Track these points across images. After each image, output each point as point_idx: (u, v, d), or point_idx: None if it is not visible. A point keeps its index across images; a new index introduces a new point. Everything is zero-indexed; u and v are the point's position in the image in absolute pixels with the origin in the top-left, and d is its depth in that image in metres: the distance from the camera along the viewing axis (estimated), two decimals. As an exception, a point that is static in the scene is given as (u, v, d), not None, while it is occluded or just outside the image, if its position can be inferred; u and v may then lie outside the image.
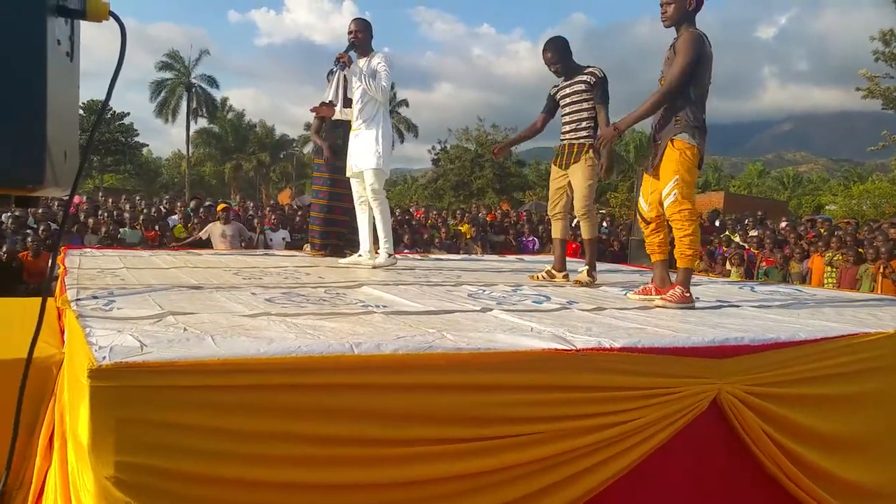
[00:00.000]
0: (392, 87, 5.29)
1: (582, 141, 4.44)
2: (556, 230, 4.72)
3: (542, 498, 2.08)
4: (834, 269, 8.61)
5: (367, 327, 2.35)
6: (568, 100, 4.51)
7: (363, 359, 1.87)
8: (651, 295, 3.52)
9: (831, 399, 2.62)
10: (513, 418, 2.04)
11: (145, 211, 10.30)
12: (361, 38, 4.84)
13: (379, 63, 4.76)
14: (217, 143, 47.91)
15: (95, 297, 2.75)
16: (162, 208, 10.76)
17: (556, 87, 4.59)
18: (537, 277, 4.55)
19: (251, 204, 13.79)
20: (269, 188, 52.13)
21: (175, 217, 9.90)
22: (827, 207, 34.34)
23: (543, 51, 4.51)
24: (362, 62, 4.83)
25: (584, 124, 4.45)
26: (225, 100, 48.53)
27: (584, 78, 4.42)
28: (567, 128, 4.53)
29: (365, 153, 4.83)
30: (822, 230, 10.06)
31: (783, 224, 11.92)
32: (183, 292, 3.07)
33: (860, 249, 8.70)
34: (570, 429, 2.12)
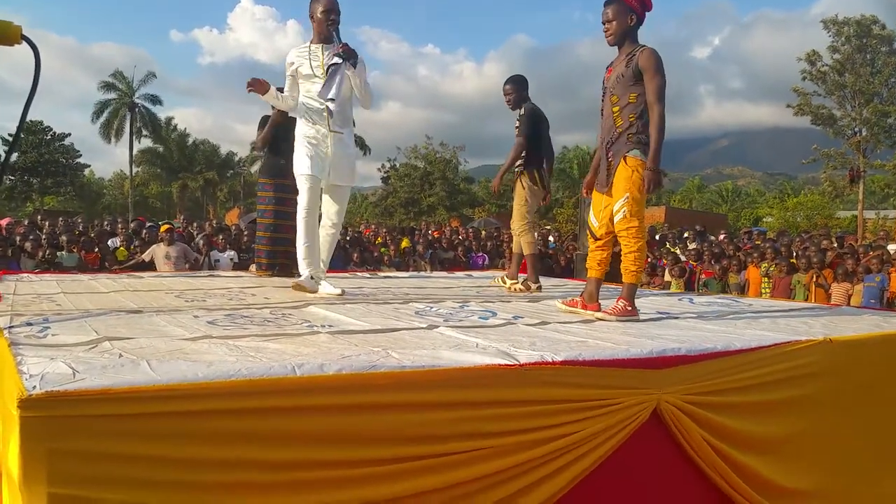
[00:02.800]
0: None
1: (518, 167, 5.08)
2: (515, 245, 5.37)
3: (490, 513, 2.10)
4: (769, 280, 8.95)
5: (311, 348, 2.33)
6: (515, 132, 5.10)
7: (305, 380, 1.86)
8: (577, 308, 3.57)
9: (767, 405, 2.71)
10: (459, 435, 2.04)
11: (83, 234, 9.97)
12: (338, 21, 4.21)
13: (361, 60, 4.25)
14: (162, 163, 46.87)
15: (30, 324, 2.65)
16: (104, 229, 10.44)
17: (517, 119, 5.14)
18: (494, 284, 5.29)
19: (196, 224, 13.49)
20: (216, 208, 51.15)
21: (116, 239, 9.61)
22: (764, 220, 35.70)
23: (505, 84, 5.13)
24: (328, 54, 4.14)
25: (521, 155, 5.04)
26: (169, 119, 47.60)
27: (521, 112, 5.03)
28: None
29: (350, 167, 4.33)
30: (757, 242, 10.44)
31: (721, 236, 12.32)
32: (121, 317, 2.99)
33: (793, 260, 9.06)
34: (516, 443, 2.14)
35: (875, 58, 24.51)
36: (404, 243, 11.50)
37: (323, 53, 4.11)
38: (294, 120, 6.20)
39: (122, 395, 1.62)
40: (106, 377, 1.70)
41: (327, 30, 4.06)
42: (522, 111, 4.99)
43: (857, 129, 25.44)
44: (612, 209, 3.42)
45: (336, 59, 4.05)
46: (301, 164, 4.23)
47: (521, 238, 5.09)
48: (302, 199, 4.24)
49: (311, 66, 4.13)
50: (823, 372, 2.83)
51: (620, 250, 3.47)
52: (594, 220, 3.59)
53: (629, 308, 3.36)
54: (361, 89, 4.14)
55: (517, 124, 5.03)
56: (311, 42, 4.20)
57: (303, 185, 4.22)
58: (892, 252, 9.49)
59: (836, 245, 10.34)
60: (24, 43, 1.27)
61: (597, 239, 3.60)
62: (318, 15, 4.09)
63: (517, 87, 5.05)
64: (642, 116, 3.34)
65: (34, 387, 1.59)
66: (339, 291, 4.10)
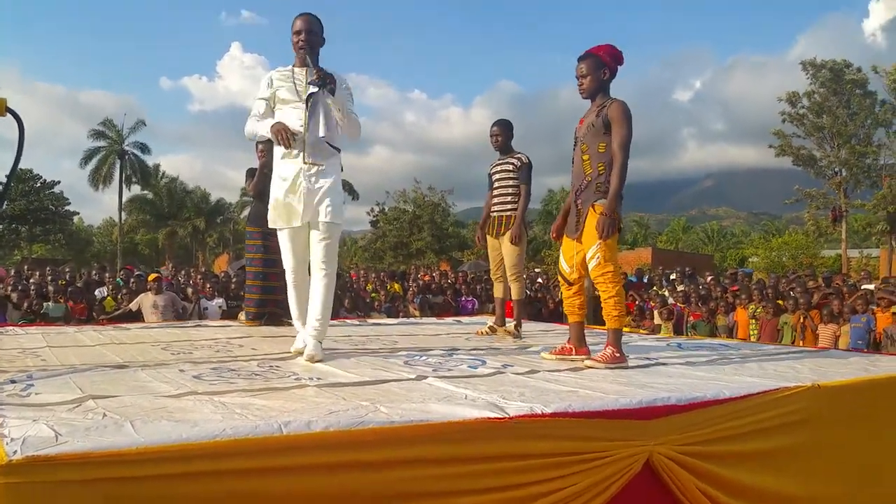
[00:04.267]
0: None
1: (508, 213, 5.09)
2: (498, 291, 5.35)
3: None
4: (757, 321, 8.98)
5: (298, 403, 2.30)
6: (498, 177, 5.15)
7: (292, 438, 1.83)
8: (572, 355, 3.58)
9: (761, 454, 2.69)
10: (448, 491, 2.02)
11: (70, 283, 9.90)
12: (315, 41, 3.61)
13: (346, 88, 3.63)
14: (151, 210, 46.82)
15: (13, 382, 2.62)
16: (92, 278, 10.35)
17: (491, 164, 5.23)
18: (482, 333, 5.14)
19: (183, 271, 13.44)
20: (205, 254, 50.96)
21: (104, 289, 9.54)
22: (750, 260, 35.98)
23: (493, 125, 5.18)
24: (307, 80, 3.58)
25: (509, 199, 5.09)
26: (157, 166, 47.74)
27: (513, 160, 5.07)
28: (496, 201, 5.16)
29: (333, 202, 3.58)
30: (746, 285, 10.51)
31: (708, 278, 12.40)
32: (106, 373, 2.95)
33: (780, 301, 9.12)
34: (508, 498, 2.11)
35: (850, 100, 25.16)
36: (396, 288, 11.48)
37: (305, 78, 3.60)
38: None
39: (105, 459, 1.60)
40: (89, 440, 1.68)
41: (299, 52, 3.59)
42: (524, 160, 5.04)
43: (837, 170, 25.94)
44: (584, 255, 3.50)
45: (311, 88, 3.51)
46: (271, 218, 3.73)
47: (516, 284, 5.12)
48: (283, 259, 3.81)
49: (296, 91, 3.61)
50: (812, 418, 2.83)
51: (599, 295, 3.51)
52: (565, 266, 3.66)
53: (617, 355, 3.37)
54: (343, 118, 3.59)
55: (510, 168, 5.06)
56: (294, 65, 3.70)
57: (280, 242, 3.81)
58: (872, 290, 9.58)
59: (823, 285, 10.42)
60: (9, 115, 1.30)
61: (570, 284, 3.66)
62: (292, 36, 3.63)
63: (505, 130, 5.13)
64: (611, 166, 3.42)
65: (15, 451, 1.56)
66: (309, 358, 3.44)
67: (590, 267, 3.45)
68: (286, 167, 3.61)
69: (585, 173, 3.49)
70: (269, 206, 3.71)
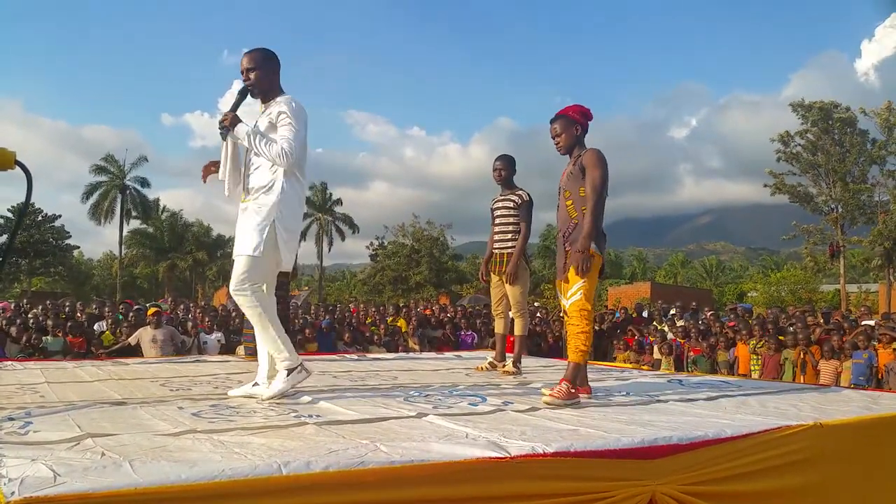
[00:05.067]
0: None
1: (509, 250, 5.10)
2: (499, 326, 5.37)
3: None
4: (758, 357, 8.94)
5: (298, 441, 2.29)
6: (499, 213, 5.19)
7: (291, 479, 1.82)
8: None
9: (761, 493, 2.65)
10: (448, 533, 2.00)
11: (69, 317, 9.87)
12: (259, 76, 3.50)
13: (281, 114, 3.40)
14: (151, 244, 46.94)
15: (11, 419, 2.60)
16: (92, 312, 10.32)
17: (493, 199, 5.26)
18: (481, 368, 5.16)
19: (182, 305, 13.39)
20: (205, 287, 50.90)
21: (103, 323, 9.51)
22: (749, 295, 35.95)
23: (496, 160, 5.24)
24: (262, 113, 3.53)
25: (510, 235, 5.12)
26: (156, 200, 47.98)
27: (514, 197, 5.11)
28: (497, 238, 5.19)
29: (243, 235, 3.44)
30: (748, 321, 10.48)
31: (708, 313, 12.37)
32: (105, 410, 2.93)
33: (781, 337, 9.09)
34: (509, 539, 2.08)
35: (842, 138, 25.45)
36: (400, 323, 11.44)
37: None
38: None
39: (103, 500, 1.58)
40: (87, 480, 1.67)
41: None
42: (524, 197, 5.09)
43: (833, 206, 26.09)
44: (566, 292, 3.61)
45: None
46: None
47: (520, 320, 5.15)
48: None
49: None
50: (815, 457, 2.81)
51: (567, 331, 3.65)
52: (566, 303, 3.71)
53: (572, 390, 3.37)
54: (257, 151, 3.41)
55: (511, 205, 5.11)
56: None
57: None
58: (873, 325, 9.56)
59: (822, 321, 10.40)
60: (18, 168, 1.32)
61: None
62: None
63: (508, 165, 5.19)
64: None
65: (13, 493, 1.55)
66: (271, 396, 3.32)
67: (569, 302, 3.58)
68: None
69: (571, 217, 3.66)
70: None
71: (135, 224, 44.95)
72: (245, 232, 3.42)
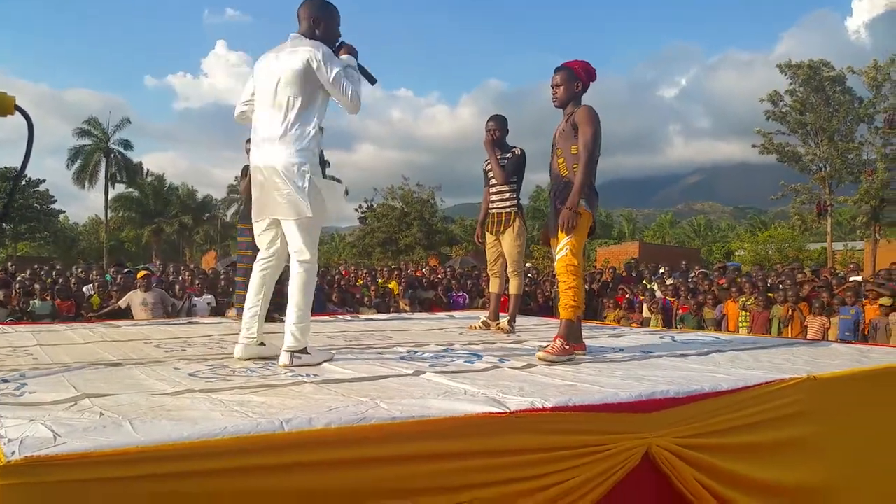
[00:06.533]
0: None
1: (508, 210, 5.07)
2: (494, 286, 5.37)
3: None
4: (747, 314, 9.04)
5: (297, 399, 2.29)
6: (493, 173, 5.09)
7: (294, 436, 1.82)
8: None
9: (758, 446, 2.70)
10: (449, 487, 2.01)
11: (59, 280, 9.79)
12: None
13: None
14: (137, 207, 46.43)
15: (6, 381, 2.58)
16: (79, 276, 10.24)
17: (486, 161, 5.17)
18: (475, 327, 5.16)
19: (171, 268, 13.31)
20: (192, 251, 50.60)
21: (90, 286, 9.44)
22: (736, 253, 36.22)
23: (489, 120, 5.16)
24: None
25: (507, 195, 5.07)
26: (140, 164, 47.27)
27: (507, 156, 5.04)
28: (494, 198, 5.14)
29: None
30: (737, 279, 10.57)
31: (697, 271, 12.46)
32: (100, 370, 2.91)
33: (770, 294, 9.18)
34: (509, 493, 2.10)
35: (831, 97, 25.35)
36: (392, 285, 11.44)
37: None
38: None
39: (105, 459, 1.57)
40: (88, 440, 1.65)
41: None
42: (516, 152, 5.05)
43: (821, 166, 26.13)
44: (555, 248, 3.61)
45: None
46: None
47: (516, 279, 5.13)
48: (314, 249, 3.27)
49: None
50: (809, 410, 2.85)
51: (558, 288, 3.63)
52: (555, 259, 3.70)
53: (566, 346, 3.39)
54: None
55: (506, 165, 5.03)
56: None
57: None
58: (861, 281, 9.67)
59: (812, 277, 10.51)
60: (18, 113, 1.27)
61: None
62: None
63: (501, 126, 5.12)
64: None
65: (13, 452, 1.53)
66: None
67: (557, 257, 3.57)
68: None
69: (562, 175, 3.64)
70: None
71: (120, 188, 44.42)
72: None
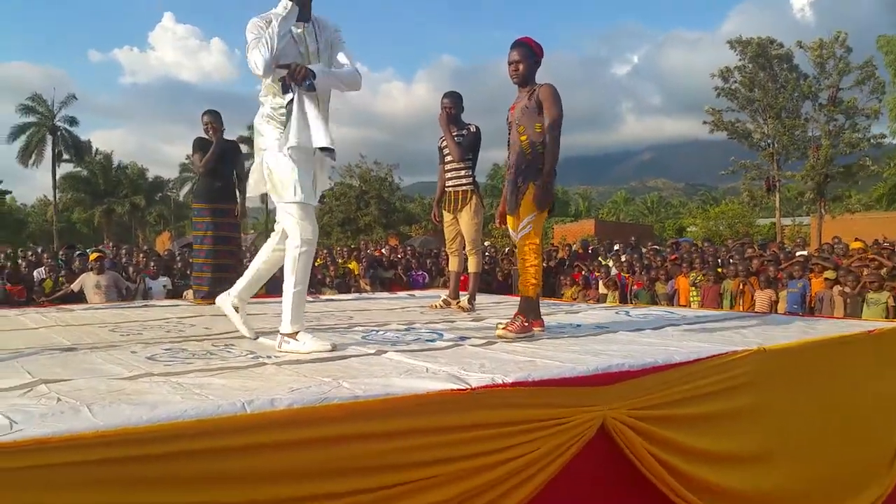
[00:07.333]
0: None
1: (465, 188, 5.07)
2: (453, 264, 5.40)
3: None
4: (698, 289, 9.29)
5: (258, 381, 2.29)
6: (449, 150, 5.06)
7: (256, 417, 1.82)
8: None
9: (710, 416, 2.80)
10: (413, 463, 2.04)
11: (9, 264, 9.47)
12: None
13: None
14: (86, 188, 44.90)
15: (-45, 368, 2.51)
16: (29, 259, 9.92)
17: (441, 138, 5.14)
18: (435, 306, 5.18)
19: (124, 250, 12.98)
20: (145, 232, 49.35)
21: (42, 269, 9.16)
22: (688, 229, 37.02)
23: (444, 97, 5.12)
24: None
25: (463, 173, 5.06)
26: (88, 141, 45.65)
27: (463, 132, 5.03)
28: (450, 176, 5.11)
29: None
30: (686, 255, 10.83)
31: (649, 247, 12.73)
32: (55, 356, 2.85)
33: (720, 269, 9.44)
34: (471, 467, 2.15)
35: (778, 74, 25.97)
36: (352, 265, 11.38)
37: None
38: (234, 143, 5.81)
39: (64, 444, 1.55)
40: (46, 426, 1.63)
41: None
42: (471, 129, 5.04)
43: (769, 142, 26.80)
44: (517, 226, 3.63)
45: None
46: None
47: (474, 257, 5.16)
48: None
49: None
50: (760, 380, 2.96)
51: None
52: (515, 237, 3.74)
53: (526, 324, 3.45)
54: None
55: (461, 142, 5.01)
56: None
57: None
58: (807, 256, 10.02)
59: (760, 252, 10.83)
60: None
61: None
62: None
63: (456, 102, 5.09)
64: (546, 144, 3.58)
65: (-32, 440, 1.50)
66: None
67: (519, 235, 3.60)
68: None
69: (526, 153, 3.62)
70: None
71: (67, 167, 42.88)
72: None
